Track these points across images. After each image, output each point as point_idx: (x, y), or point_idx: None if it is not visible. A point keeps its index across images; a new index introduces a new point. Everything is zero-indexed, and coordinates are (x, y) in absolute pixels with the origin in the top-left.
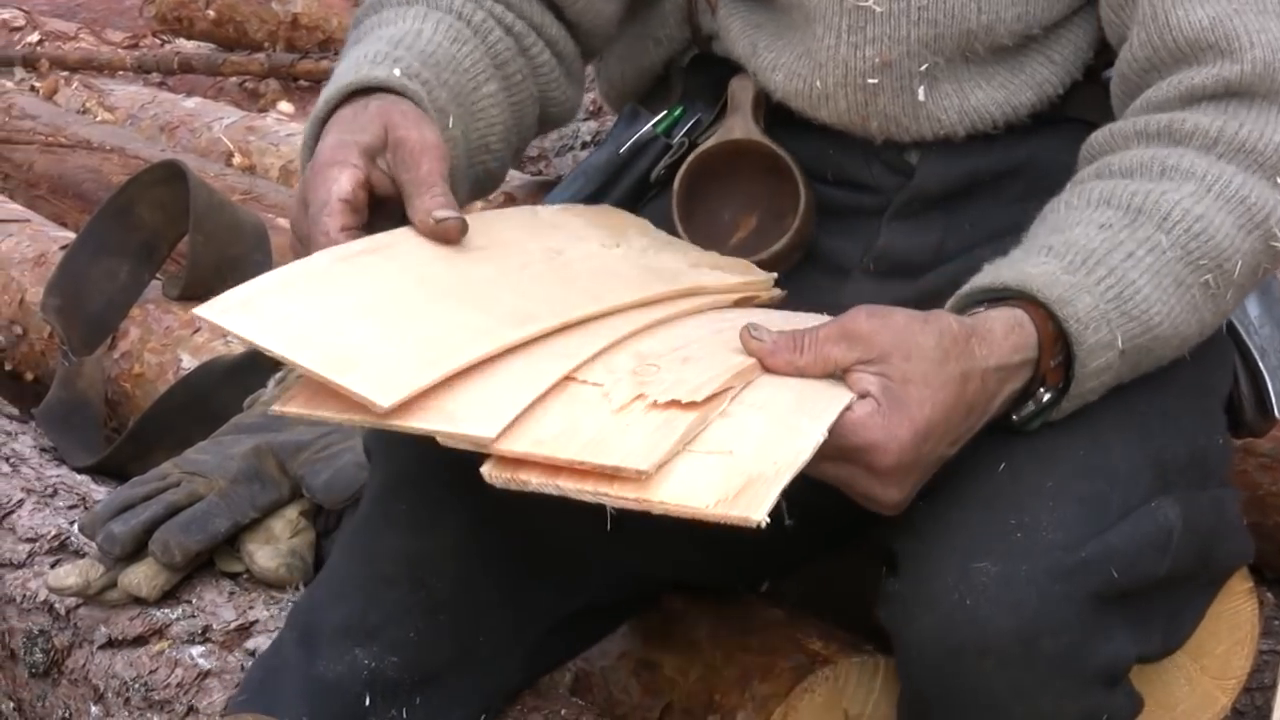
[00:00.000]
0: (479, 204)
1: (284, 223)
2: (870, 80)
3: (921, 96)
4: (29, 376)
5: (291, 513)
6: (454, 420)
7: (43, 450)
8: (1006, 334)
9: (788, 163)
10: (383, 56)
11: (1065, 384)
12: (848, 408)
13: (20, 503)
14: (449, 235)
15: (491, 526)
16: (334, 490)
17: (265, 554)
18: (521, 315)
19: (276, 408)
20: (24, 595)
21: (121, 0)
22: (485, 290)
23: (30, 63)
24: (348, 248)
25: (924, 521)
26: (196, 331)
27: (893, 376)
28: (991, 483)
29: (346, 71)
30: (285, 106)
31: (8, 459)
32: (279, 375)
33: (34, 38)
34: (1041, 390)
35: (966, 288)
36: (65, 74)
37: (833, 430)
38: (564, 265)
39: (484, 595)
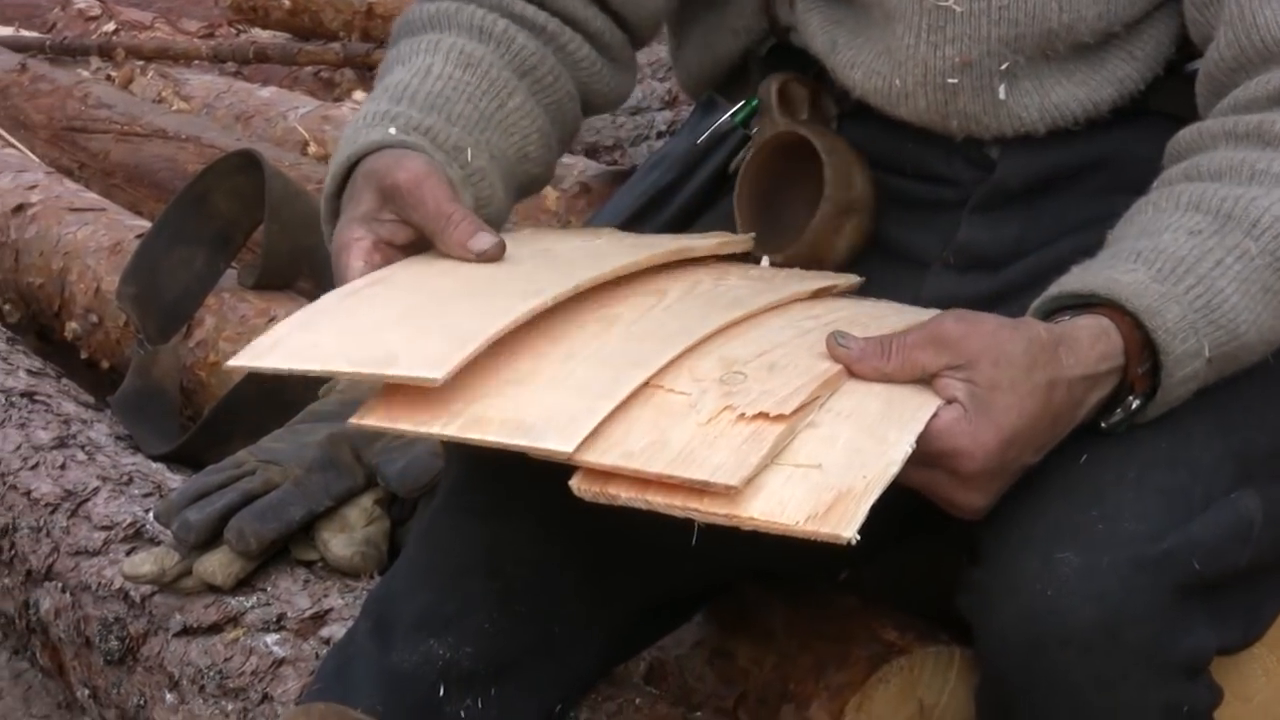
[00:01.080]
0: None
1: None
2: (950, 80)
3: (1002, 95)
4: (105, 365)
5: (366, 501)
6: (533, 434)
7: (118, 438)
8: (1093, 343)
9: (812, 143)
10: (379, 116)
11: (1151, 391)
12: (934, 415)
13: (96, 490)
14: (493, 259)
15: (570, 515)
16: (409, 479)
17: (340, 542)
18: (533, 291)
19: (355, 420)
20: (99, 583)
21: None
22: (492, 284)
23: (106, 52)
24: (350, 285)
25: (1006, 511)
26: (271, 320)
27: (980, 383)
28: (1073, 473)
29: (346, 142)
30: (360, 96)
31: (83, 447)
32: None
33: (110, 27)
34: (1130, 398)
35: (1053, 290)
36: (141, 63)
37: (919, 436)
38: (556, 256)
39: (560, 585)
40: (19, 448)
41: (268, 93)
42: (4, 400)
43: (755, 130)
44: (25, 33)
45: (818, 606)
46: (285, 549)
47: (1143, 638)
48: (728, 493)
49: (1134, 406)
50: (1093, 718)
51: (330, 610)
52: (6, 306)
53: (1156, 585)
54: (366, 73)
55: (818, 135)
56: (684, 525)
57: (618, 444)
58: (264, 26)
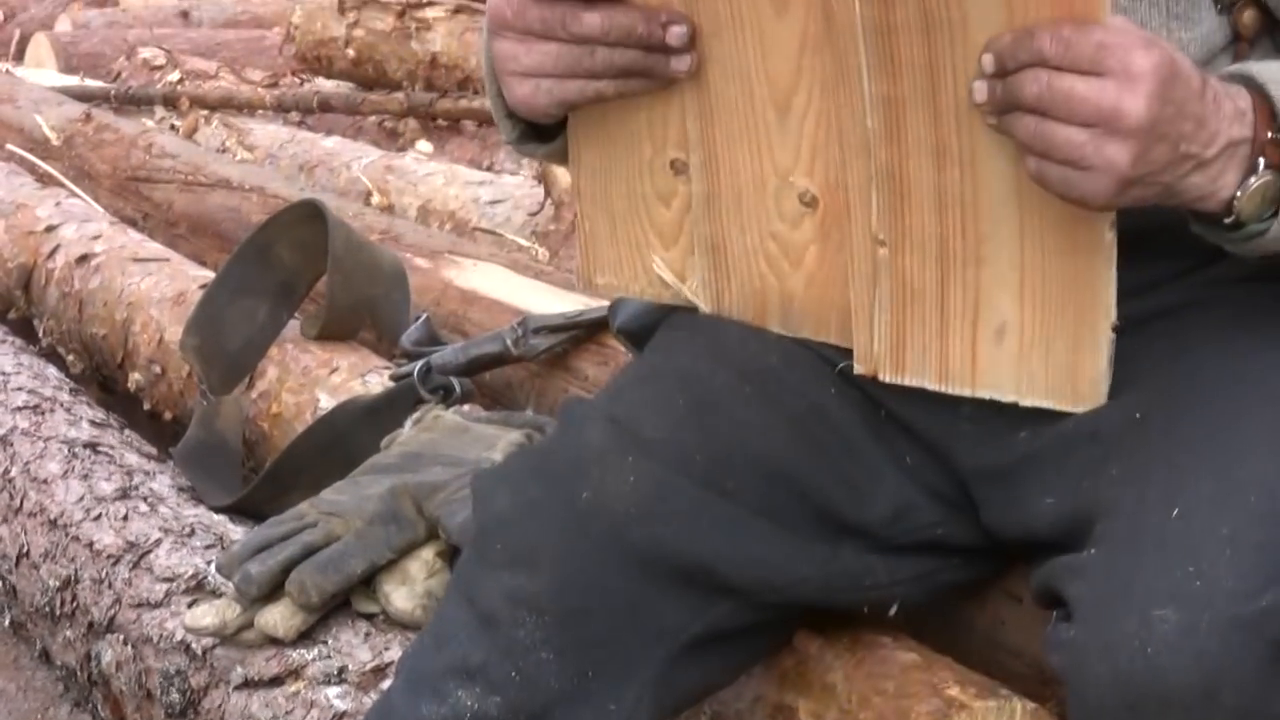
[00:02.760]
0: None
1: (421, 262)
2: None
3: None
4: (167, 415)
5: (427, 554)
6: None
7: (180, 490)
8: (1225, 85)
9: None
10: None
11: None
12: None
13: (158, 542)
14: None
15: (597, 561)
16: (470, 531)
17: (401, 595)
18: None
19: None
20: (161, 635)
21: (261, 39)
22: None
23: (171, 101)
24: None
25: (1098, 567)
26: (334, 371)
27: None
28: (1166, 529)
29: None
30: (424, 146)
31: (145, 498)
32: (416, 415)
33: (174, 76)
34: (1261, 161)
35: None
36: (205, 113)
37: (1098, 28)
38: None
39: (591, 629)
40: (81, 499)
41: (331, 142)
42: (67, 451)
43: None
44: (90, 82)
45: (878, 662)
46: (346, 601)
47: (1243, 699)
48: None
49: (1267, 177)
50: None
51: (391, 663)
52: (70, 357)
53: (1255, 644)
54: (430, 122)
55: None
56: (727, 545)
57: None
58: (328, 76)
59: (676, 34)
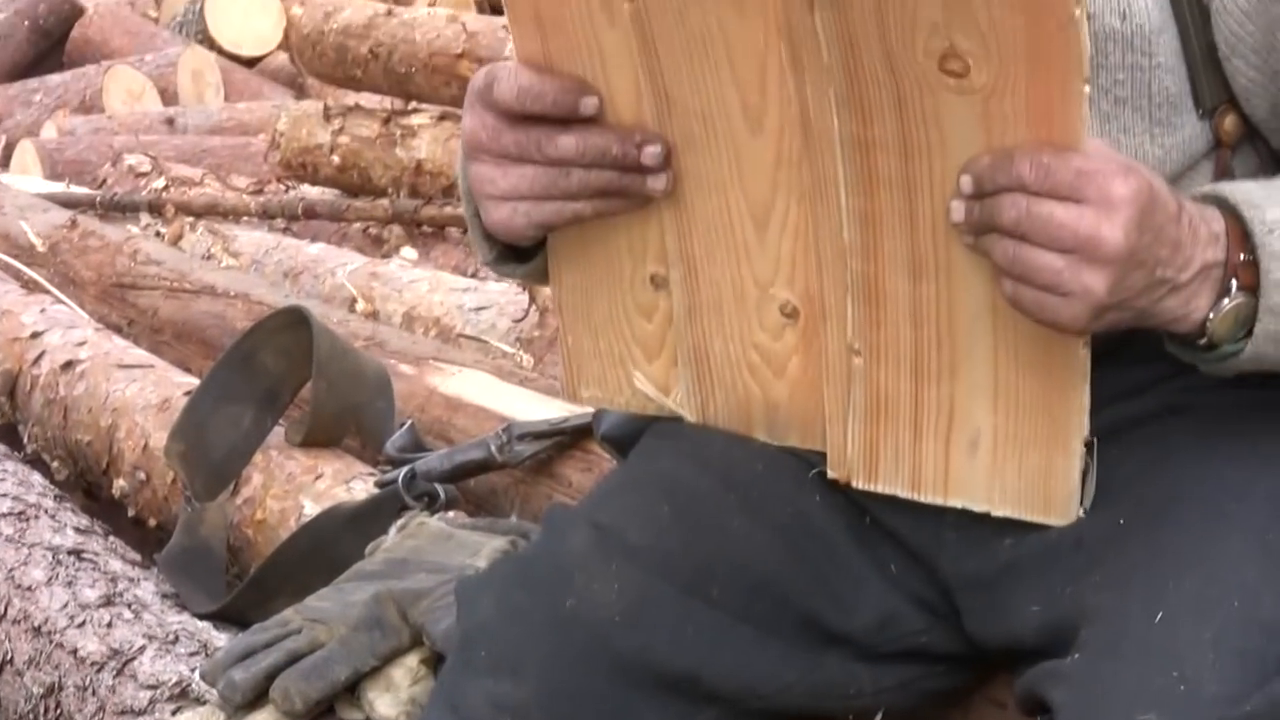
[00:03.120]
0: None
1: (406, 369)
2: None
3: None
4: (152, 522)
5: (412, 660)
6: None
7: (164, 596)
8: (1199, 206)
9: None
10: None
11: (1252, 294)
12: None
13: (142, 649)
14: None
15: (579, 670)
16: (454, 639)
17: (385, 702)
18: None
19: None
20: None
21: (246, 146)
22: None
23: (156, 208)
24: None
25: (1081, 672)
26: (319, 478)
27: (1119, 156)
28: (1149, 634)
29: None
30: (409, 252)
31: (130, 605)
32: (400, 522)
33: (160, 183)
34: (1234, 284)
35: None
36: (190, 219)
37: (1078, 155)
38: None
39: None
40: (65, 605)
41: (316, 249)
42: (51, 558)
43: None
44: (76, 189)
45: None
46: (331, 708)
47: None
48: None
49: (1239, 299)
50: None
51: None
52: (55, 464)
53: None
54: (415, 229)
55: None
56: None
57: None
58: (313, 182)
59: (651, 154)
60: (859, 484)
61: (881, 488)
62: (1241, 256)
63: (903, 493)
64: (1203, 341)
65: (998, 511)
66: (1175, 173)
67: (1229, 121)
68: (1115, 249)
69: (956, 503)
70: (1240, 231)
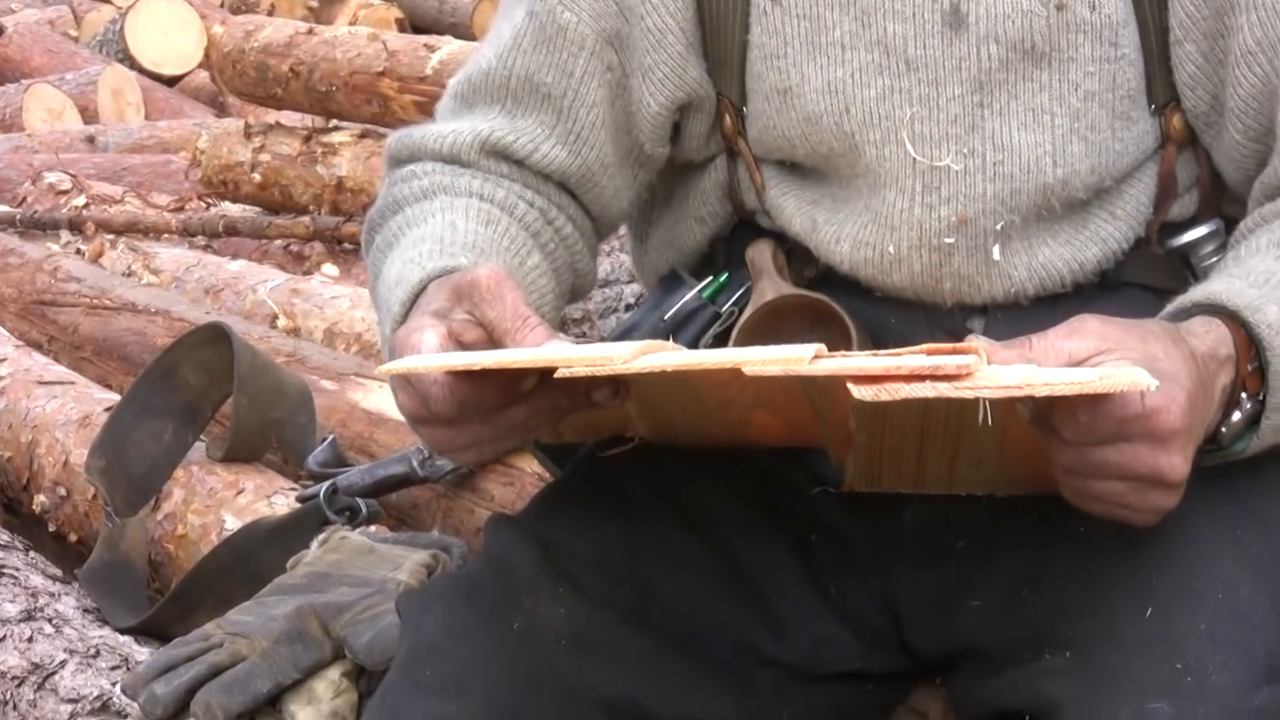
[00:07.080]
0: None
1: (328, 384)
2: (946, 240)
3: (996, 255)
4: (73, 538)
5: (334, 674)
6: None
7: (86, 611)
8: (1205, 332)
9: (829, 305)
10: (435, 253)
11: (1260, 397)
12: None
13: (63, 664)
14: None
15: (529, 688)
16: (376, 651)
17: (307, 715)
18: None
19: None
20: None
21: (167, 164)
22: None
23: (76, 226)
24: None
25: (1082, 666)
26: (240, 493)
27: (1140, 357)
28: (1144, 624)
29: (407, 275)
30: (330, 269)
31: (50, 620)
32: (322, 536)
33: (80, 201)
34: (1244, 396)
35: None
36: (111, 237)
37: (1115, 400)
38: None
39: None
40: None
41: (237, 266)
42: None
43: (745, 295)
44: None
45: None
46: None
47: None
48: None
49: (1249, 407)
50: None
51: None
52: None
53: None
54: (336, 246)
55: (834, 300)
56: (651, 684)
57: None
58: (234, 200)
59: (601, 396)
60: (859, 489)
61: (883, 489)
62: (1249, 367)
63: (905, 490)
64: (1210, 448)
65: (1002, 492)
66: (1129, 167)
67: (1177, 119)
68: (1177, 476)
69: (962, 491)
70: (1245, 339)
